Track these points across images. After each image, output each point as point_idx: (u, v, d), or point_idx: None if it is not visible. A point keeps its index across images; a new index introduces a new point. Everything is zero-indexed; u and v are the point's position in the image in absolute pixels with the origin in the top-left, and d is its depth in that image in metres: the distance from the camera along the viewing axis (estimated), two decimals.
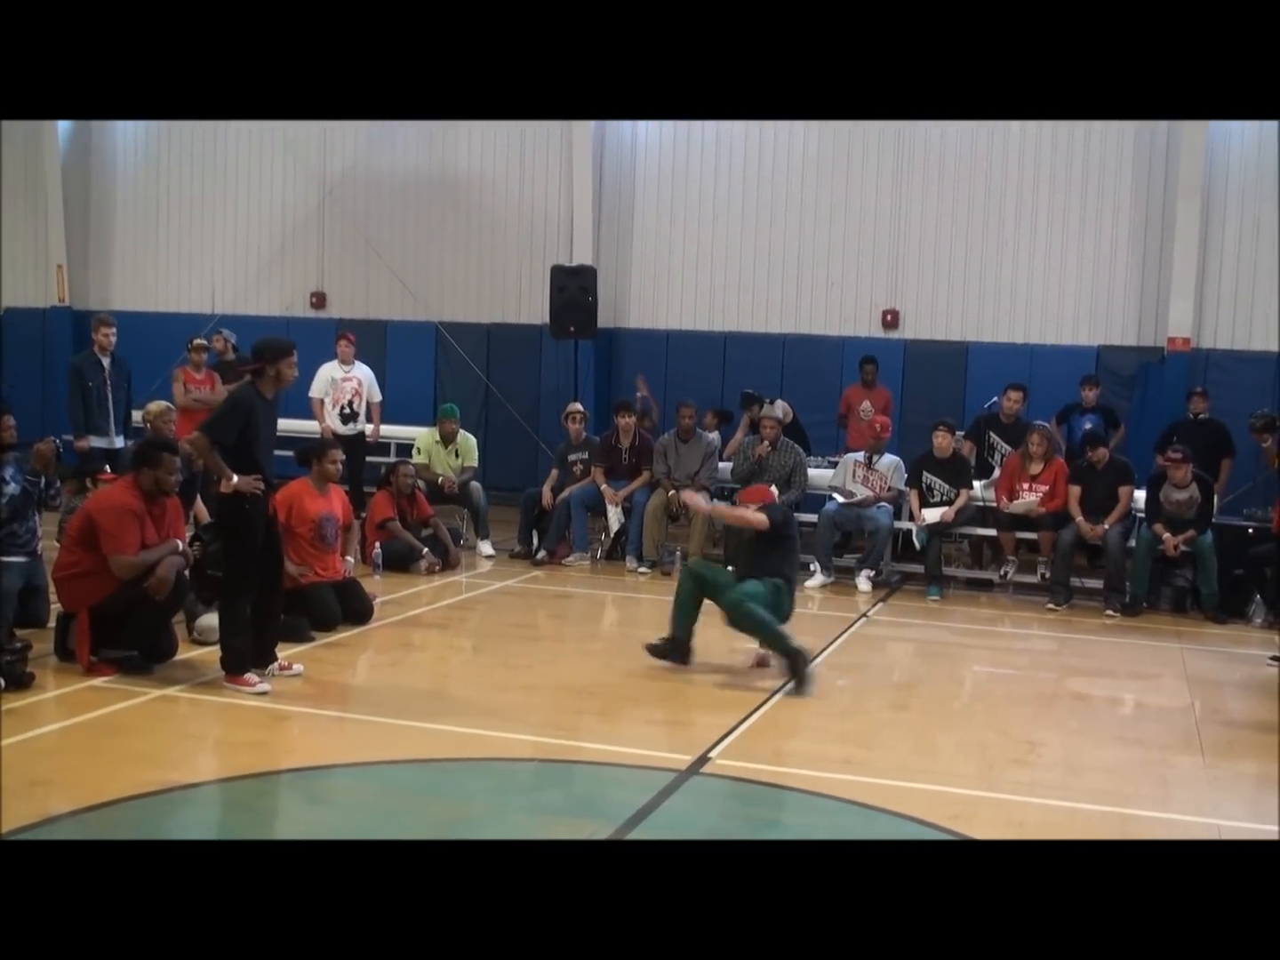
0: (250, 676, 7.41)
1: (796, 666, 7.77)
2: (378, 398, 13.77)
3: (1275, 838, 5.68)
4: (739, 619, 8.01)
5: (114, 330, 11.96)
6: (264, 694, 7.31)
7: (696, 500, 9.51)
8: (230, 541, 7.52)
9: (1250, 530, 11.30)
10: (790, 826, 5.98)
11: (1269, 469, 9.85)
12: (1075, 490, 11.35)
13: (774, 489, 11.44)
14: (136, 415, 13.12)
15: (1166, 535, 10.81)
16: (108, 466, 10.02)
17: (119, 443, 11.75)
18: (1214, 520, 11.13)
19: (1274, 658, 9.34)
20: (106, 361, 11.87)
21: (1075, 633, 10.30)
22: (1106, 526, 11.07)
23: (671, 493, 12.16)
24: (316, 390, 13.38)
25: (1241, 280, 14.42)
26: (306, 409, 13.36)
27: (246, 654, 7.48)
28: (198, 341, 13.29)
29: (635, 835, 5.38)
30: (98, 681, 7.37)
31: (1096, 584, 11.45)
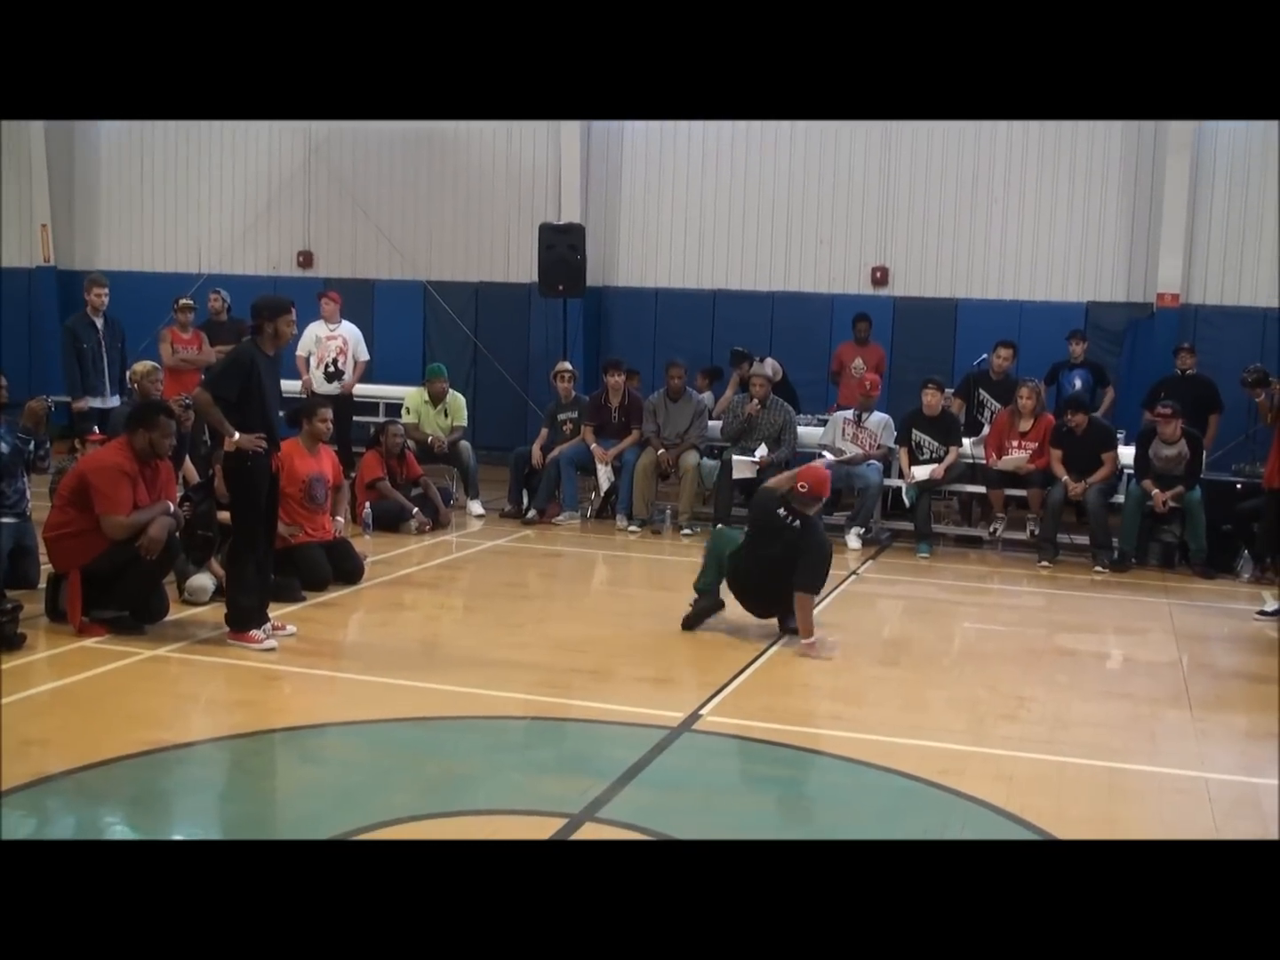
0: (256, 634, 7.44)
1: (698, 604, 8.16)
2: (364, 357, 13.68)
3: (1264, 787, 5.74)
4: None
5: (106, 290, 12.03)
6: (270, 651, 7.34)
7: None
8: (235, 499, 7.55)
9: (1238, 485, 11.32)
10: (782, 782, 6.01)
11: (1262, 424, 9.86)
12: (1057, 453, 11.38)
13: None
14: None
15: (1155, 491, 10.83)
16: (96, 427, 9.99)
17: (114, 402, 11.74)
18: (1202, 476, 11.16)
19: (1261, 612, 9.40)
20: (100, 322, 11.94)
21: (1064, 589, 10.35)
22: (1085, 485, 11.10)
23: (661, 452, 12.17)
24: (302, 348, 13.32)
25: (1231, 236, 14.40)
26: (295, 369, 13.33)
27: (253, 611, 7.51)
28: (184, 301, 13.21)
29: (628, 792, 5.42)
30: (89, 642, 7.38)
31: (1085, 540, 11.48)
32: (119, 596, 7.57)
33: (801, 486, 7.91)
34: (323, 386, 13.19)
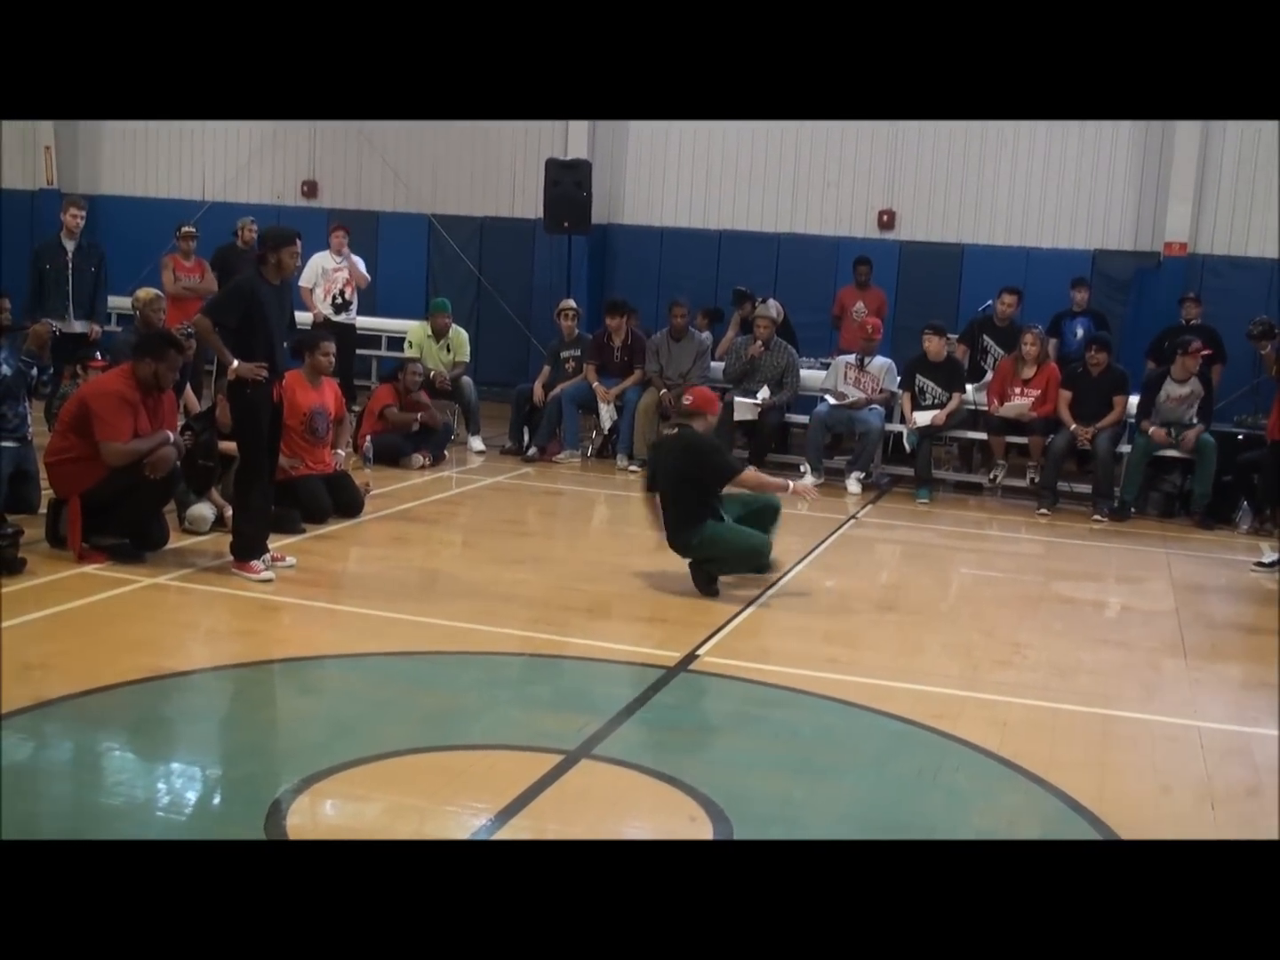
0: (255, 564, 7.45)
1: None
2: (365, 276, 13.51)
3: (1257, 737, 5.77)
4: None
5: (83, 213, 11.89)
6: (267, 582, 7.36)
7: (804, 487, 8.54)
8: (238, 427, 7.55)
9: (1240, 437, 11.33)
10: (776, 722, 6.04)
11: (1267, 375, 9.84)
12: (1066, 394, 11.37)
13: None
14: (116, 300, 13.03)
15: (1183, 435, 10.85)
16: (99, 354, 9.95)
17: (77, 326, 11.52)
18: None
19: (1258, 563, 9.43)
20: (71, 245, 11.73)
21: (1062, 536, 10.36)
22: (1094, 430, 11.10)
23: (663, 391, 12.16)
24: (306, 279, 13.22)
25: (1240, 186, 14.31)
26: (299, 298, 13.24)
27: (256, 541, 7.52)
28: (187, 229, 13.13)
29: (624, 729, 5.46)
30: (89, 568, 7.39)
31: (1085, 488, 11.50)
32: (119, 523, 7.58)
33: (687, 399, 8.08)
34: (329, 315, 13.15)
